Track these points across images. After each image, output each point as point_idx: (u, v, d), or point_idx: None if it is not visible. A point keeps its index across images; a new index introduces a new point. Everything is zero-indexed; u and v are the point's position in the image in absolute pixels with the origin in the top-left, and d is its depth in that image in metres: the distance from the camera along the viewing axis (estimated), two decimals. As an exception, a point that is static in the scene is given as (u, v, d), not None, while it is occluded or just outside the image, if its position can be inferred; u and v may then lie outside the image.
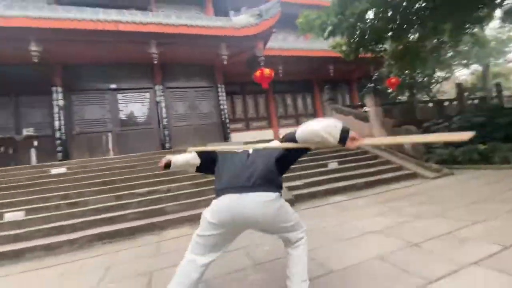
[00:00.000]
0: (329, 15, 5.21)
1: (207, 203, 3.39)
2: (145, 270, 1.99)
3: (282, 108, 11.86)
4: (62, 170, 4.55)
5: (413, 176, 4.48)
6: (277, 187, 1.36)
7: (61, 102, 7.92)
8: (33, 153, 7.74)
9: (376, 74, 13.46)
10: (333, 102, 7.50)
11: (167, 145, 8.78)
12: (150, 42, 7.77)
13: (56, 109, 7.84)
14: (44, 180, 4.14)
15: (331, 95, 7.44)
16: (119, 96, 8.67)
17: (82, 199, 3.51)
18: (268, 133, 11.18)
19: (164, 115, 8.90)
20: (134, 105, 8.84)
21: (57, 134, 7.78)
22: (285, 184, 3.78)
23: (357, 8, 4.54)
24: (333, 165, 4.60)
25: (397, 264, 1.59)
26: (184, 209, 3.28)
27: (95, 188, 3.82)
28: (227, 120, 9.66)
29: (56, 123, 7.80)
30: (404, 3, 5.92)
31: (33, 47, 6.81)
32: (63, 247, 2.62)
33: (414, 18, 6.12)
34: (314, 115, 12.19)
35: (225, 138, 9.49)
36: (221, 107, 9.66)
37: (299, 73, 11.64)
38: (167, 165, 1.67)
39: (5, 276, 2.22)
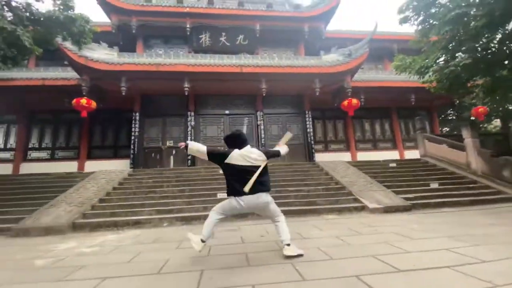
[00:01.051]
0: (428, 62, 6.38)
1: (342, 201, 4.81)
2: (340, 226, 3.48)
3: (360, 133, 12.84)
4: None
5: (512, 200, 5.11)
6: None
7: (192, 123, 10.61)
8: (171, 159, 10.45)
9: (457, 103, 13.45)
10: (424, 131, 8.32)
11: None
12: (262, 79, 9.96)
13: (189, 128, 10.53)
14: (218, 176, 6.24)
15: (421, 124, 8.31)
16: (231, 119, 11.04)
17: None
18: (346, 155, 12.23)
19: (262, 136, 10.90)
20: (241, 127, 11.08)
21: (188, 147, 10.38)
22: (401, 195, 4.97)
23: (462, 61, 5.62)
24: (434, 185, 5.57)
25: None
26: (329, 204, 4.78)
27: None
28: (312, 142, 11.15)
29: (189, 138, 10.43)
30: (496, 46, 6.71)
31: (186, 84, 9.59)
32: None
33: (506, 56, 6.79)
34: (392, 140, 12.81)
35: (310, 158, 10.93)
36: (308, 130, 11.22)
37: (378, 101, 12.53)
38: (186, 147, 2.40)
39: (243, 225, 3.96)
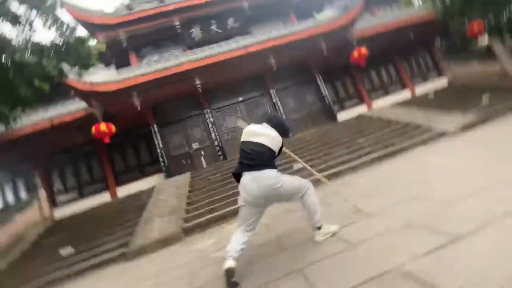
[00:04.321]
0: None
1: (416, 134, 4.92)
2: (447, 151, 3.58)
3: (368, 83, 12.95)
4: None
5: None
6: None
7: (211, 119, 10.45)
8: (202, 160, 10.33)
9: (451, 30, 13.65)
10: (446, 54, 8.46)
11: (290, 135, 10.67)
12: (268, 55, 9.79)
13: (210, 125, 10.37)
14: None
15: (442, 48, 8.41)
16: (246, 105, 10.90)
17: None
18: (362, 108, 12.38)
19: (282, 111, 10.86)
20: (258, 109, 10.98)
21: (215, 143, 10.27)
22: (465, 114, 5.10)
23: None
24: (485, 99, 5.77)
25: None
26: (407, 139, 4.89)
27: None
28: (331, 103, 11.20)
29: (213, 135, 10.31)
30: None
31: (197, 81, 9.35)
32: (359, 167, 4.44)
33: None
34: (400, 82, 12.99)
35: (333, 119, 11.00)
36: (323, 93, 11.24)
37: (378, 48, 12.50)
38: None
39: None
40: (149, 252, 3.73)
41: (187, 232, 3.94)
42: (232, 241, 1.92)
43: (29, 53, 5.18)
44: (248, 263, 2.01)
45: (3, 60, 5.00)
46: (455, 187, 2.15)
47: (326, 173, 4.48)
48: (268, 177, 1.91)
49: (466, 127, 4.56)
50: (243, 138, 2.16)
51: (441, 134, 4.66)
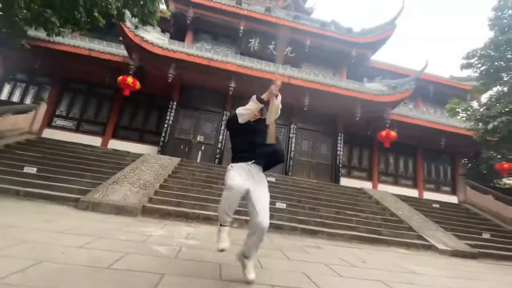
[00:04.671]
0: (491, 112, 6.46)
1: (406, 236, 4.69)
2: (433, 265, 3.36)
3: (383, 165, 12.83)
4: (273, 179, 6.51)
5: None
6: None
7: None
8: (199, 155, 10.26)
9: (481, 155, 13.61)
10: (467, 178, 8.35)
11: (290, 173, 10.52)
12: (306, 94, 9.97)
13: (222, 127, 10.41)
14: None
15: (465, 170, 8.33)
16: (264, 126, 10.94)
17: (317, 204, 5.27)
18: (367, 184, 12.15)
19: (292, 149, 10.82)
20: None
21: (219, 145, 10.24)
22: (461, 241, 4.88)
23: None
24: (486, 235, 5.52)
25: None
26: (393, 236, 4.66)
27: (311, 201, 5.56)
28: (340, 165, 11.09)
29: (220, 137, 10.30)
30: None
31: (232, 84, 9.54)
32: (336, 237, 4.23)
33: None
34: (413, 178, 12.82)
35: (336, 180, 10.83)
36: (338, 152, 11.18)
37: (406, 137, 12.58)
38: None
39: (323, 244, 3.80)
40: (100, 211, 3.57)
41: (145, 212, 3.78)
42: None
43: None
44: (171, 273, 1.85)
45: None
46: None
47: (302, 225, 4.29)
48: None
49: (455, 254, 4.32)
50: None
51: (428, 247, 4.43)
